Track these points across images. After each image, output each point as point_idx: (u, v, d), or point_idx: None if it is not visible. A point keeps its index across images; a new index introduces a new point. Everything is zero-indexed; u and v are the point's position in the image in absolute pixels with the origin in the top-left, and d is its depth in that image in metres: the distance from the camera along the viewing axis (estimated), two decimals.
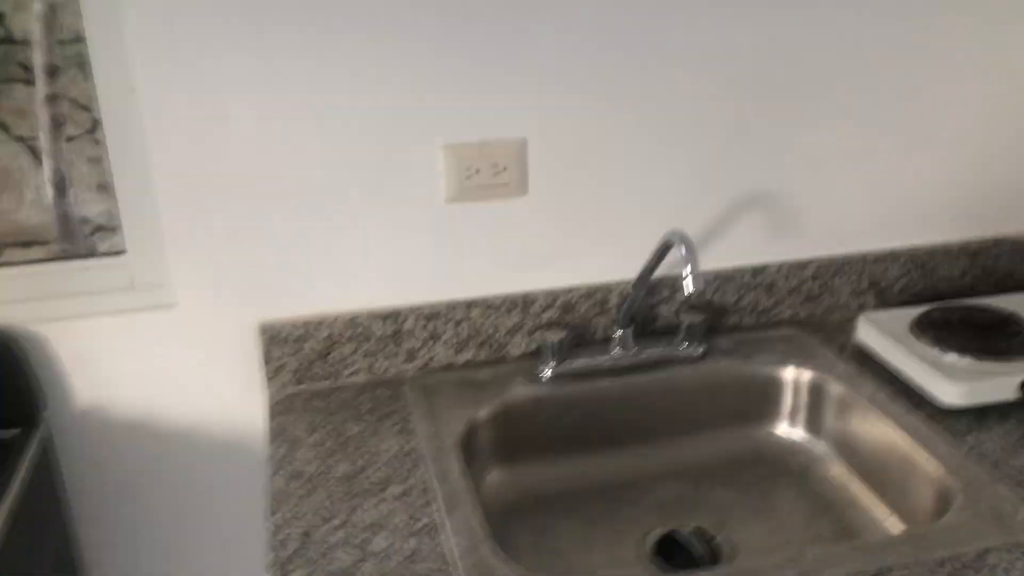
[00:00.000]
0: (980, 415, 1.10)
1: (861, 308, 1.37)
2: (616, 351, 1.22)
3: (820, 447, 1.21)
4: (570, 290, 1.26)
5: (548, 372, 1.20)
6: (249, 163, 1.10)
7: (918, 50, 1.24)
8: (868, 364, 1.21)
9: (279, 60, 1.06)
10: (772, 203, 1.29)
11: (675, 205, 1.25)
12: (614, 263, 1.26)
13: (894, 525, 1.07)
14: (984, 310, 1.23)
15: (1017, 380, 1.09)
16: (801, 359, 1.23)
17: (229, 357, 1.20)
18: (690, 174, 1.24)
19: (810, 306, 1.35)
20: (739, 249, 1.30)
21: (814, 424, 1.22)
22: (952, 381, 1.09)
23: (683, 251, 1.02)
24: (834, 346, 1.27)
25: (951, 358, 1.13)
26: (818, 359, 1.23)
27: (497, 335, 1.25)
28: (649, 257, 1.14)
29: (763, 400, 1.24)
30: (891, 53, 1.24)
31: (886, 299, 1.37)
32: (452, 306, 1.22)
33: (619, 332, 1.22)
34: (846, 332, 1.31)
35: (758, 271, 1.31)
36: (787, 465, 1.20)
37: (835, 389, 1.18)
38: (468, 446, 1.10)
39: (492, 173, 1.18)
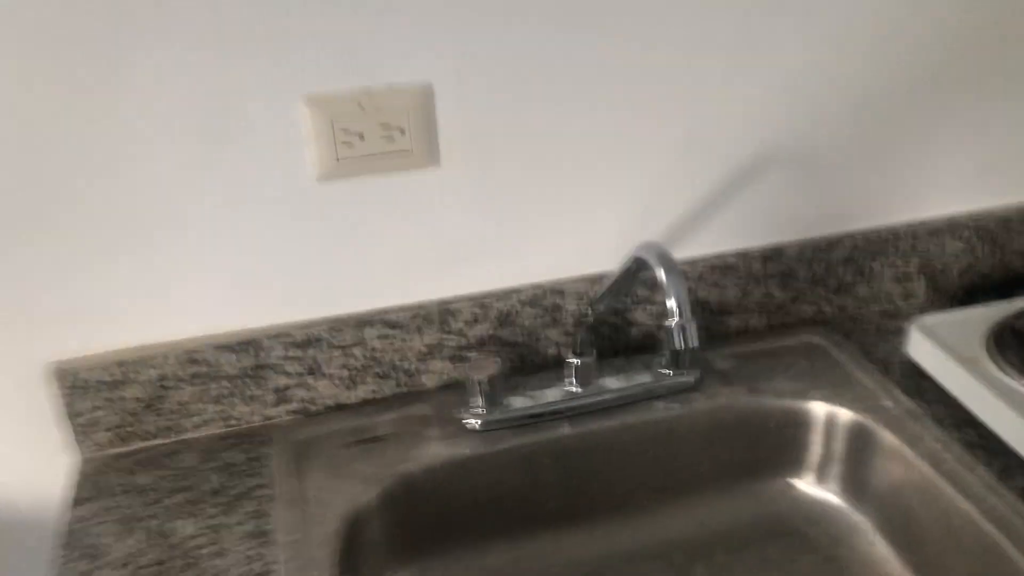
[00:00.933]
0: None
1: (907, 299, 1.01)
2: (572, 385, 0.86)
3: (858, 516, 0.86)
4: (507, 294, 0.89)
5: (475, 421, 0.84)
6: (4, 140, 0.72)
7: None
8: (928, 392, 0.86)
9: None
10: (787, 162, 0.91)
11: (654, 169, 0.87)
12: (570, 254, 0.89)
13: None
14: None
15: None
16: (833, 387, 0.88)
17: (12, 415, 0.83)
18: (674, 128, 0.86)
19: (841, 299, 0.99)
20: (743, 228, 0.93)
21: (852, 482, 0.87)
22: None
23: (662, 276, 0.65)
24: (877, 361, 0.92)
25: None
26: (856, 386, 0.88)
27: (405, 363, 0.89)
28: (617, 273, 0.76)
29: (780, 446, 0.89)
30: None
31: (941, 285, 1.01)
32: (336, 325, 0.85)
33: (576, 361, 0.85)
34: (892, 338, 0.95)
35: (769, 256, 0.94)
36: (811, 538, 0.86)
37: (885, 438, 0.83)
38: (352, 545, 0.76)
39: (384, 136, 0.79)
